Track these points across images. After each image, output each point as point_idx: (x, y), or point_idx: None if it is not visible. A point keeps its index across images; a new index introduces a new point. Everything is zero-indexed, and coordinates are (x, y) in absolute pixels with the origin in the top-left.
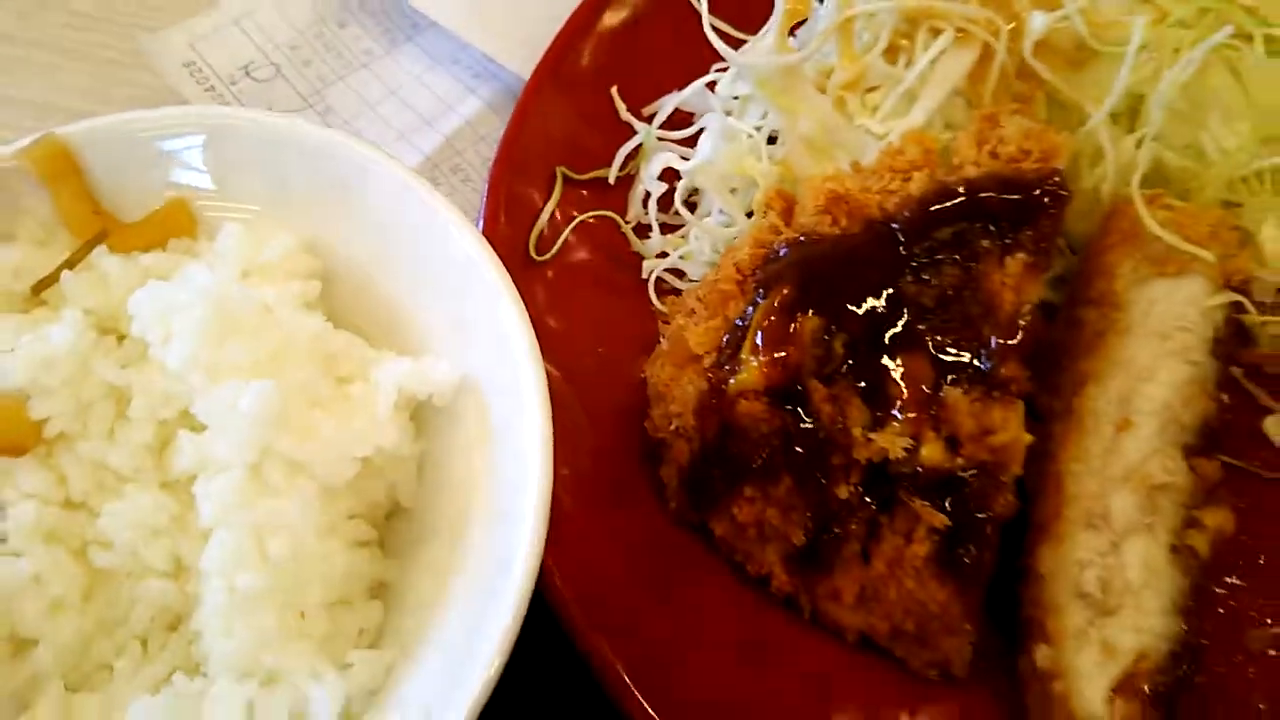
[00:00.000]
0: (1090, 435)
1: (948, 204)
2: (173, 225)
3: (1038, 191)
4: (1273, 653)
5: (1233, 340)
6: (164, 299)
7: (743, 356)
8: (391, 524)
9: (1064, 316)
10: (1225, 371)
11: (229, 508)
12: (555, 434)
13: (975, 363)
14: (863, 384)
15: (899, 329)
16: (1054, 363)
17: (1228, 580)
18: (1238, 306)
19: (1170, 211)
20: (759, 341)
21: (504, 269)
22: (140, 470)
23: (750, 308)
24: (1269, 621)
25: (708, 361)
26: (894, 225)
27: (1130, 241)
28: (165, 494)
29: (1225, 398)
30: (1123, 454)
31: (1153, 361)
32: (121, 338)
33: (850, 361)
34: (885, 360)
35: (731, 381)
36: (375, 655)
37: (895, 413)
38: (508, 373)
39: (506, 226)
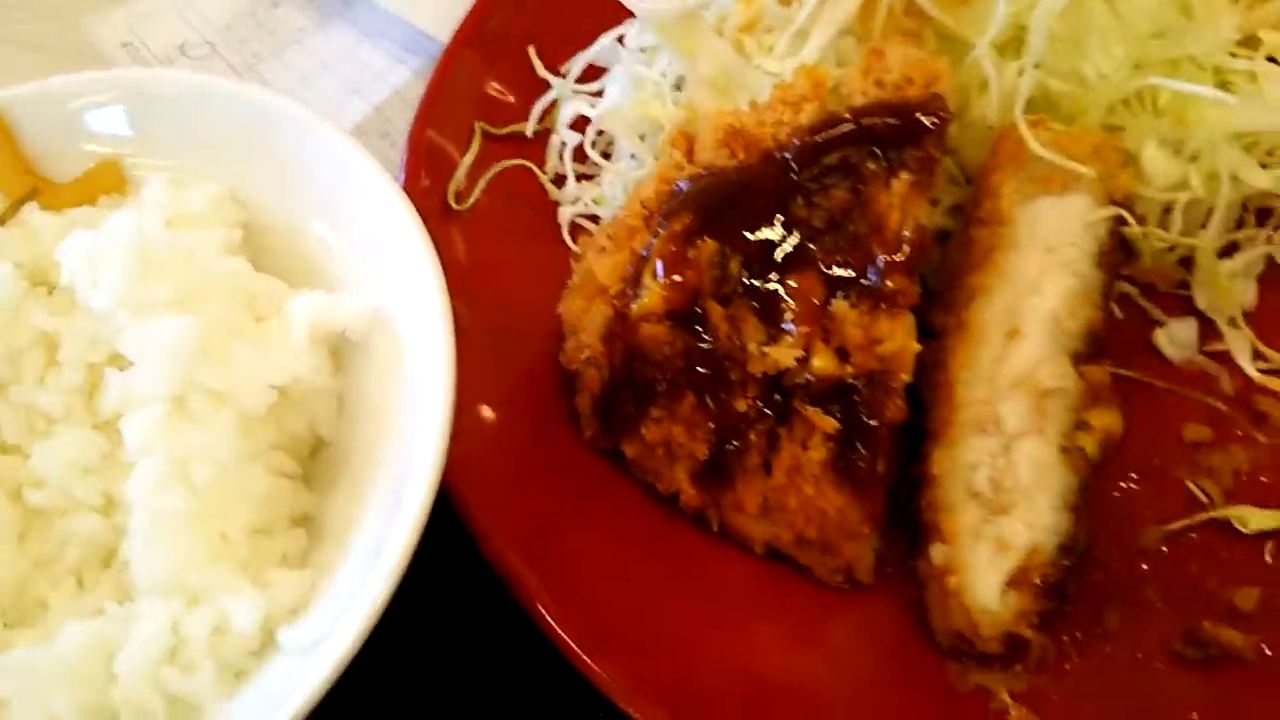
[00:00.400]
0: (980, 345)
1: (835, 131)
2: (103, 183)
3: (920, 115)
4: (1164, 549)
5: (1116, 253)
6: (90, 245)
7: (645, 283)
8: (316, 461)
9: (957, 239)
10: (1110, 282)
11: (153, 438)
12: (477, 368)
13: (863, 278)
14: (758, 303)
15: (791, 250)
16: (948, 283)
17: (1122, 484)
18: (1120, 221)
19: (1052, 133)
20: (659, 268)
21: (411, 205)
22: (71, 412)
23: (653, 239)
24: (1160, 521)
25: (614, 291)
26: (786, 154)
27: (1015, 162)
28: (96, 433)
29: (1115, 310)
30: (1012, 362)
31: (1039, 274)
32: (52, 289)
33: (746, 282)
34: (778, 279)
35: (634, 306)
36: (295, 575)
37: (788, 327)
38: (416, 305)
39: (426, 179)
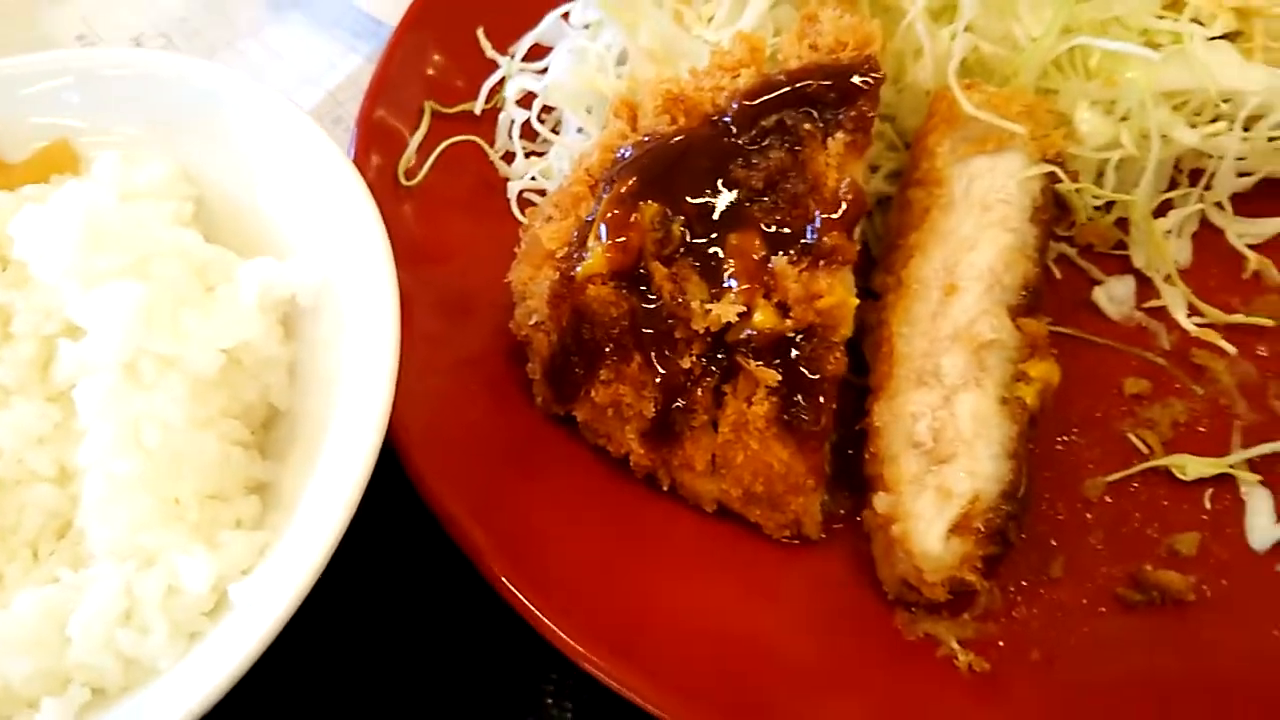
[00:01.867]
0: (918, 301)
1: (771, 95)
2: (55, 162)
3: (853, 76)
4: (1107, 499)
5: (1050, 209)
6: (41, 218)
7: (589, 246)
8: (270, 431)
9: (896, 201)
10: (1045, 237)
11: (105, 404)
12: (430, 338)
13: (802, 236)
14: (700, 262)
15: (731, 210)
16: (889, 245)
17: (1064, 438)
18: (1053, 177)
19: (985, 95)
20: (603, 231)
21: (358, 175)
22: (25, 383)
23: (597, 205)
24: (1102, 472)
25: (559, 256)
26: (725, 118)
27: (949, 124)
28: (50, 404)
29: (1055, 270)
30: (950, 316)
31: (975, 231)
32: (6, 265)
33: (688, 242)
34: (719, 239)
35: (579, 269)
36: (247, 535)
37: (730, 285)
38: (364, 274)
39: (377, 157)
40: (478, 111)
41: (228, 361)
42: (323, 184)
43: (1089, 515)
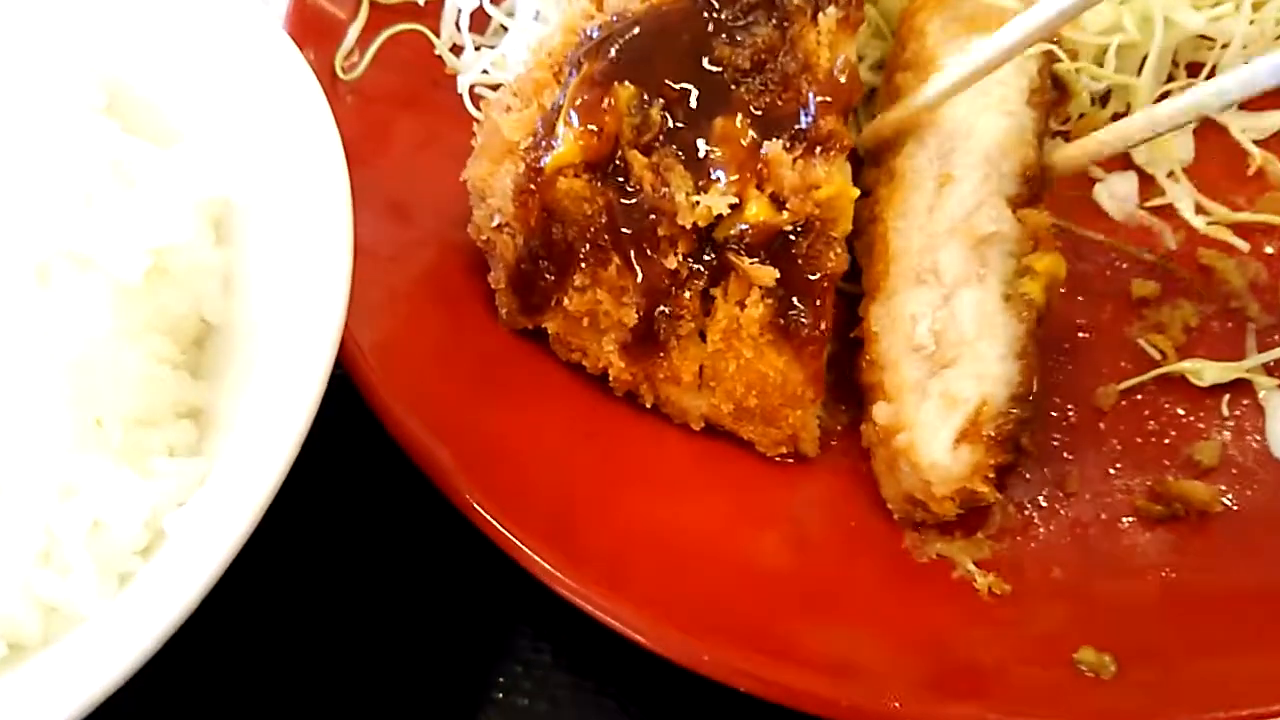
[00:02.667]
0: (913, 192)
1: None
2: None
3: None
4: (1122, 405)
5: (1048, 90)
6: None
7: (559, 133)
8: (202, 348)
9: (884, 89)
10: (1045, 121)
11: (13, 310)
12: (378, 251)
13: (796, 121)
14: (683, 151)
15: (716, 92)
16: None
17: (1068, 345)
18: (1051, 57)
19: None
20: (573, 117)
21: (305, 63)
22: None
23: (563, 91)
24: (1113, 379)
25: (524, 147)
26: None
27: (940, 2)
28: None
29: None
30: (946, 209)
31: (970, 115)
32: None
33: (670, 128)
34: (704, 124)
35: (548, 160)
36: (183, 464)
37: (718, 175)
38: (310, 173)
39: (311, 50)
40: (421, 1)
41: (153, 268)
42: (260, 68)
43: (1102, 425)
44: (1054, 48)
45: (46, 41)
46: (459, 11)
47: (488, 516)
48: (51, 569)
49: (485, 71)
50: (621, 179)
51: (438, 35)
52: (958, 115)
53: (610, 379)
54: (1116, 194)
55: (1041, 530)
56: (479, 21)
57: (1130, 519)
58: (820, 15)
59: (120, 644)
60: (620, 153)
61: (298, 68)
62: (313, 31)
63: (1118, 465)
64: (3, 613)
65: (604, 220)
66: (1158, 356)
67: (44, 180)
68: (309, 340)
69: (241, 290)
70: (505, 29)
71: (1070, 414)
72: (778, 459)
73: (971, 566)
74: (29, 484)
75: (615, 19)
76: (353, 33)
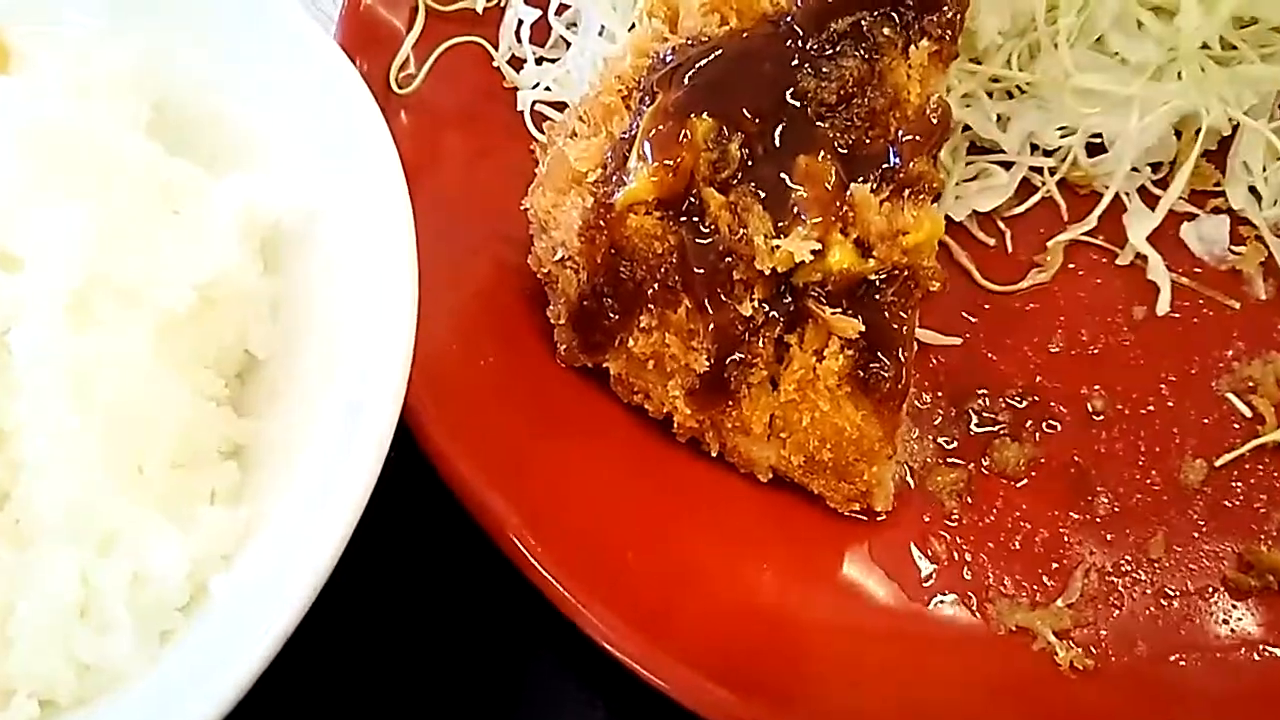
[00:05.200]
0: None
1: None
2: None
3: None
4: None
5: None
6: None
7: (630, 167)
8: (247, 382)
9: None
10: None
11: (48, 348)
12: (430, 277)
13: (883, 160)
14: (763, 189)
15: (799, 127)
16: None
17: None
18: None
19: None
20: (647, 150)
21: (364, 82)
22: None
23: (636, 119)
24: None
25: (593, 179)
26: (788, 19)
27: None
28: None
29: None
30: None
31: None
32: None
33: (748, 165)
34: (786, 162)
35: (619, 195)
36: (227, 514)
37: (800, 217)
38: (369, 198)
39: (364, 61)
40: (479, 9)
41: (199, 298)
42: (315, 87)
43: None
44: None
45: (89, 53)
46: (520, 23)
47: (536, 564)
48: (89, 625)
49: (547, 89)
50: (696, 218)
51: (495, 46)
52: None
53: (675, 425)
54: (1205, 235)
55: (1125, 600)
56: (539, 32)
57: (1219, 590)
58: (912, 48)
59: (165, 710)
60: (695, 190)
61: (353, 83)
62: (366, 41)
63: (1204, 530)
64: (37, 672)
65: (676, 260)
66: (1248, 414)
67: (84, 206)
68: (372, 383)
69: (289, 321)
70: (566, 42)
71: (1154, 475)
72: (847, 514)
73: (1052, 638)
74: (66, 535)
75: (690, 42)
76: (408, 44)
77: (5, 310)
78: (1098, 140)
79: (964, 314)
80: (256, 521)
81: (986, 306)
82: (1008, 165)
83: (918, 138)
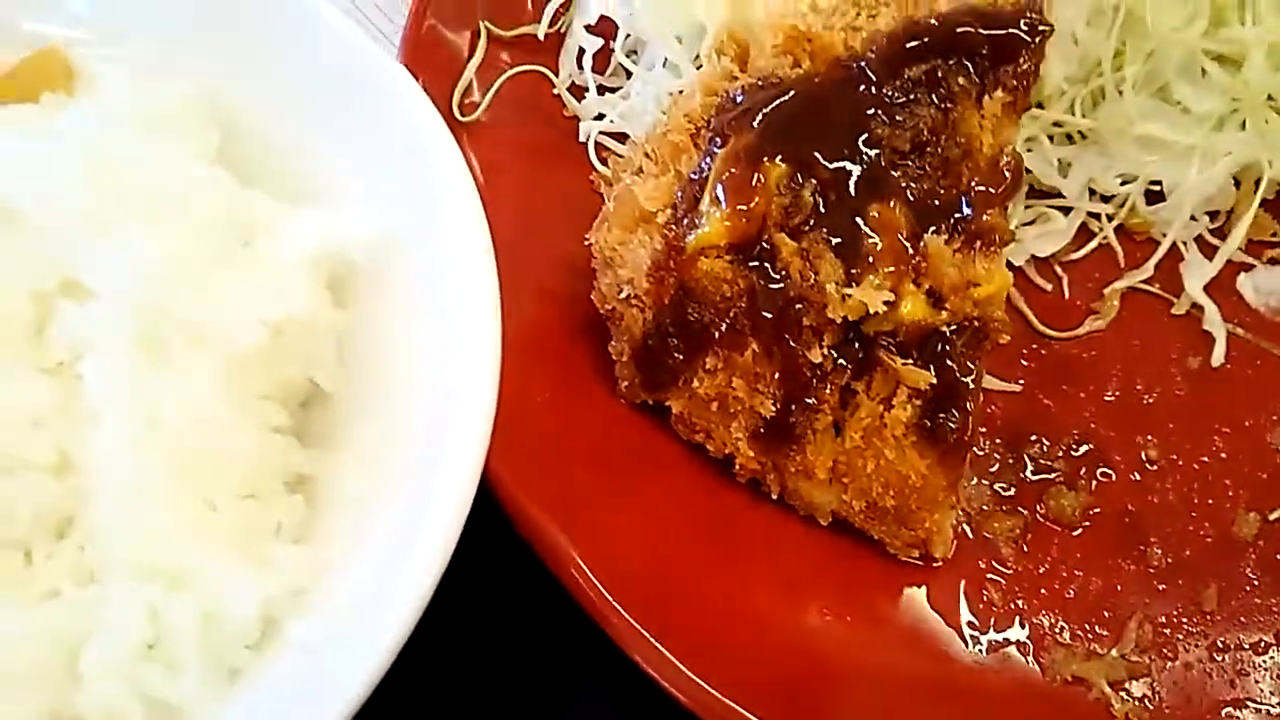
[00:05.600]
0: None
1: (921, 40)
2: (44, 77)
3: (1017, 25)
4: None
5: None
6: (36, 149)
7: (702, 210)
8: (310, 411)
9: None
10: None
11: (120, 384)
12: None
13: (956, 210)
14: (835, 236)
15: (872, 175)
16: None
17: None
18: None
19: None
20: (719, 193)
21: (436, 111)
22: (13, 351)
23: (706, 160)
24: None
25: (662, 219)
26: (862, 64)
27: None
28: (46, 377)
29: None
30: None
31: None
32: None
33: (821, 212)
34: (858, 209)
35: (691, 238)
36: (300, 552)
37: (872, 266)
38: (445, 230)
39: (425, 85)
40: (541, 36)
41: (268, 334)
42: (387, 118)
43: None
44: None
45: (156, 79)
46: (581, 51)
47: (593, 597)
48: (157, 662)
49: (608, 119)
50: (767, 263)
51: (555, 72)
52: None
53: (736, 466)
54: (1261, 286)
55: (1179, 652)
56: (600, 60)
57: (1273, 645)
58: (986, 98)
59: None
60: (767, 235)
61: (427, 114)
62: (427, 64)
63: (1258, 585)
64: (105, 707)
65: (745, 304)
66: None
67: (155, 237)
68: (456, 425)
69: (359, 355)
70: (627, 71)
71: (1207, 527)
72: (905, 560)
73: (1107, 689)
74: (136, 570)
75: (761, 84)
76: (470, 68)
77: (76, 338)
78: (1157, 188)
79: (1021, 359)
80: (331, 561)
81: (1043, 352)
82: (1066, 210)
83: (990, 189)
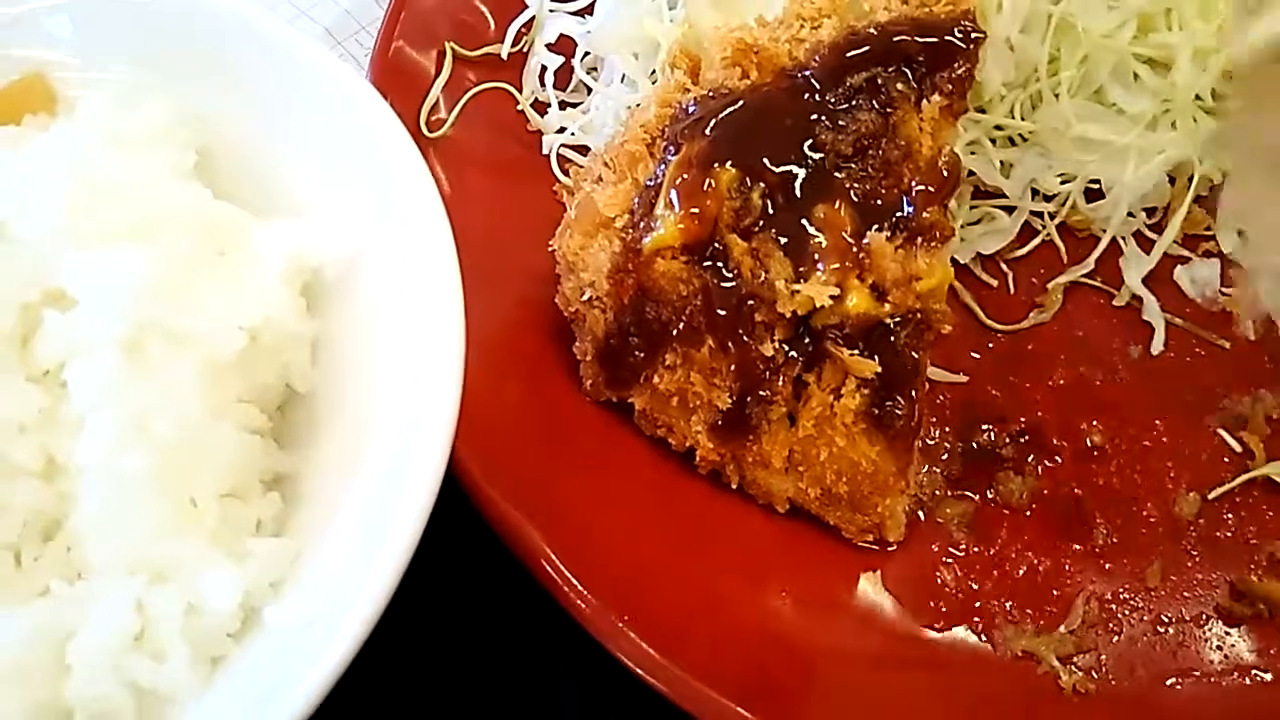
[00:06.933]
0: None
1: (861, 49)
2: (27, 101)
3: (952, 33)
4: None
5: None
6: (19, 168)
7: (657, 214)
8: (286, 414)
9: None
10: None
11: (105, 389)
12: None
13: (897, 209)
14: (783, 236)
15: (817, 178)
16: None
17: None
18: None
19: None
20: (673, 198)
21: (402, 126)
22: (2, 361)
23: (661, 166)
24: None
25: (620, 224)
26: (806, 73)
27: None
28: (32, 385)
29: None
30: None
31: None
32: None
33: (769, 213)
34: (805, 210)
35: (648, 240)
36: (276, 544)
37: (818, 263)
38: (412, 240)
39: (394, 104)
40: (504, 55)
41: (246, 339)
42: (354, 134)
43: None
44: None
45: (132, 100)
46: (543, 68)
47: (565, 588)
48: (144, 653)
49: (570, 132)
50: (720, 263)
51: (519, 89)
52: None
53: (696, 458)
54: (1198, 278)
55: (1124, 626)
56: (561, 77)
57: (1213, 617)
58: (924, 102)
59: None
60: (719, 236)
61: (394, 129)
62: (395, 83)
63: (1198, 561)
64: (94, 697)
65: (700, 302)
66: (1238, 449)
67: (135, 247)
68: (421, 421)
69: (331, 360)
70: (587, 87)
71: (1150, 507)
72: (861, 544)
73: (1056, 663)
74: (122, 565)
75: (712, 95)
76: (437, 87)
77: (61, 346)
78: (1096, 186)
79: (970, 352)
80: (305, 553)
81: (990, 345)
82: (1010, 210)
83: (930, 188)
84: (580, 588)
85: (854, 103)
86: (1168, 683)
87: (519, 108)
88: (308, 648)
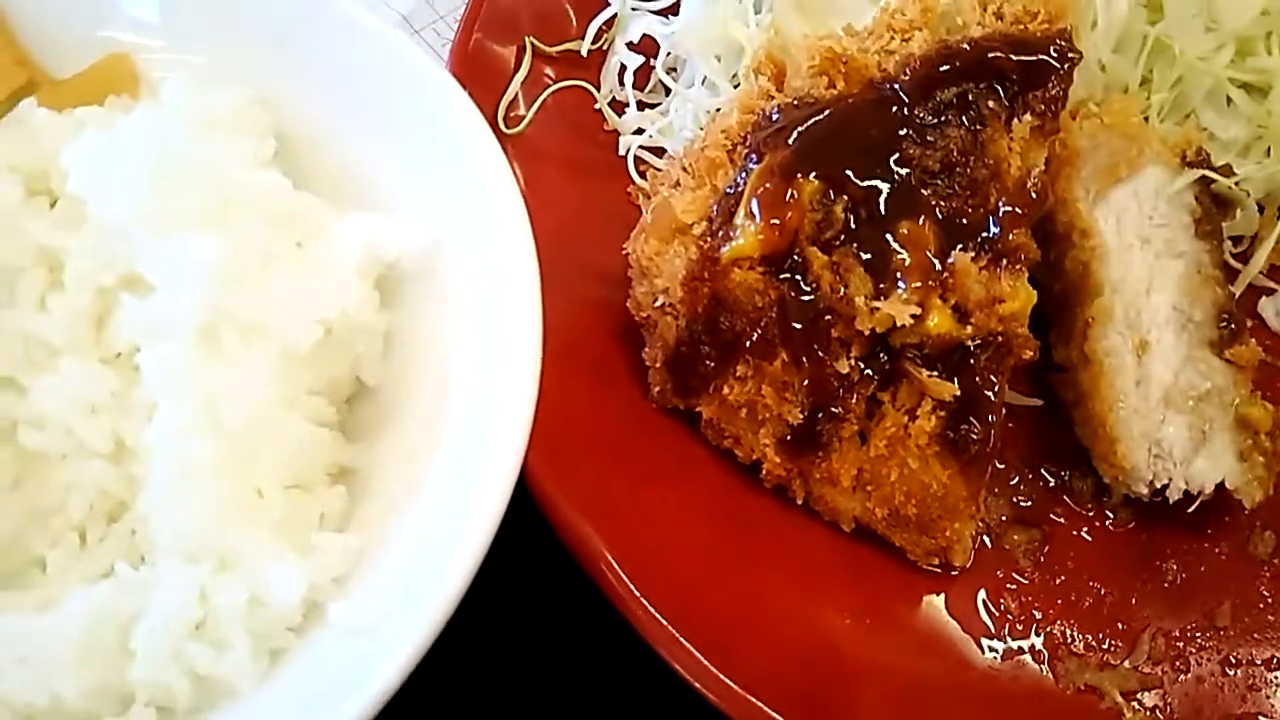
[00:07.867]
0: (1118, 375)
1: (953, 64)
2: (112, 81)
3: (1048, 52)
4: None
5: (1213, 214)
6: (103, 150)
7: (737, 223)
8: (353, 406)
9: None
10: (1219, 249)
11: (177, 375)
12: None
13: (983, 229)
14: (865, 251)
15: (903, 193)
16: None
17: None
18: (1205, 180)
19: (1094, 117)
20: (754, 207)
21: (483, 120)
22: (76, 341)
23: (742, 175)
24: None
25: (697, 231)
26: (895, 86)
27: (1071, 164)
28: (105, 367)
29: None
30: (1153, 378)
31: (1143, 271)
32: (55, 201)
33: (852, 227)
34: (888, 226)
35: (725, 249)
36: (341, 539)
37: (900, 281)
38: (490, 236)
39: (471, 97)
40: (584, 53)
41: (320, 331)
42: (435, 126)
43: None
44: (1205, 171)
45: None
46: (622, 67)
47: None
48: (205, 641)
49: (648, 134)
50: (799, 276)
51: (597, 88)
52: (1131, 276)
53: (762, 471)
54: None
55: (1191, 665)
56: (640, 77)
57: None
58: (1015, 121)
59: None
60: (799, 249)
61: (476, 123)
62: (474, 76)
63: (1271, 602)
64: (154, 682)
65: (775, 315)
66: None
67: (214, 235)
68: (496, 422)
69: (403, 354)
70: (665, 88)
71: (1223, 545)
72: (925, 567)
73: (1120, 698)
74: (186, 553)
75: (796, 103)
76: (516, 82)
77: (135, 331)
78: None
79: (1044, 378)
80: (371, 550)
81: (1065, 371)
82: None
83: (1017, 209)
84: (638, 594)
85: (943, 118)
86: None
87: (596, 106)
88: (373, 648)
